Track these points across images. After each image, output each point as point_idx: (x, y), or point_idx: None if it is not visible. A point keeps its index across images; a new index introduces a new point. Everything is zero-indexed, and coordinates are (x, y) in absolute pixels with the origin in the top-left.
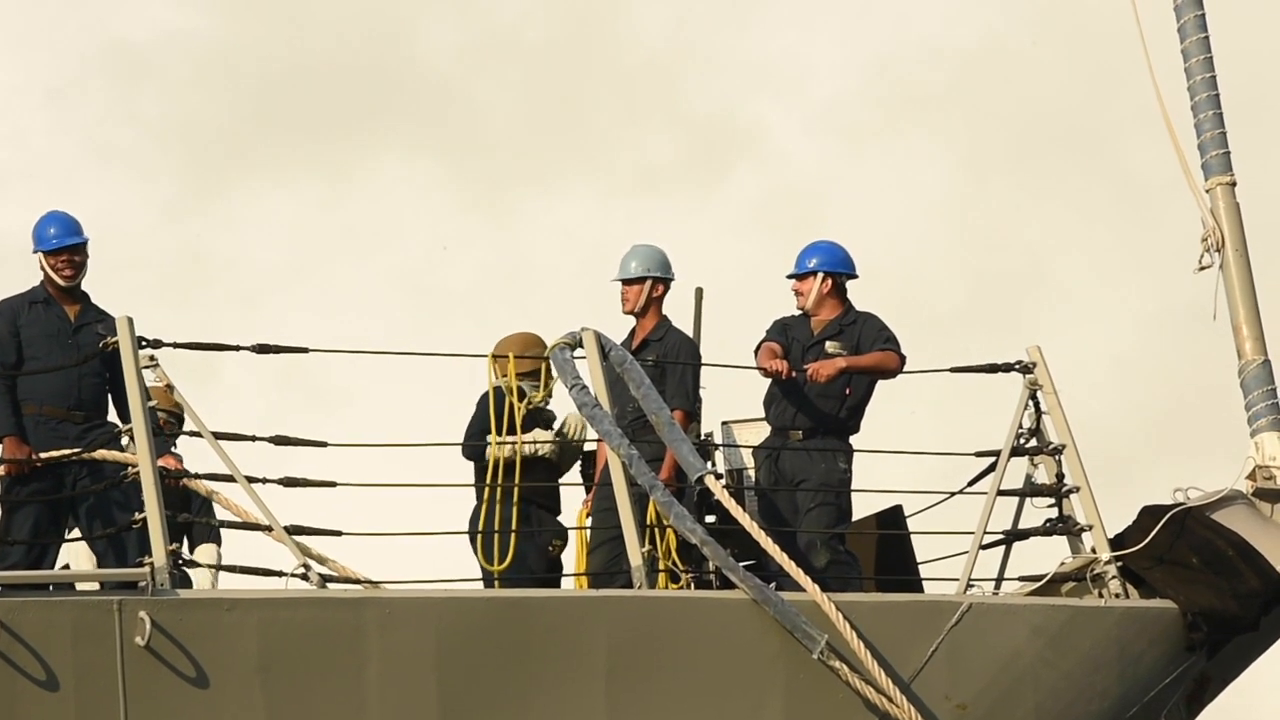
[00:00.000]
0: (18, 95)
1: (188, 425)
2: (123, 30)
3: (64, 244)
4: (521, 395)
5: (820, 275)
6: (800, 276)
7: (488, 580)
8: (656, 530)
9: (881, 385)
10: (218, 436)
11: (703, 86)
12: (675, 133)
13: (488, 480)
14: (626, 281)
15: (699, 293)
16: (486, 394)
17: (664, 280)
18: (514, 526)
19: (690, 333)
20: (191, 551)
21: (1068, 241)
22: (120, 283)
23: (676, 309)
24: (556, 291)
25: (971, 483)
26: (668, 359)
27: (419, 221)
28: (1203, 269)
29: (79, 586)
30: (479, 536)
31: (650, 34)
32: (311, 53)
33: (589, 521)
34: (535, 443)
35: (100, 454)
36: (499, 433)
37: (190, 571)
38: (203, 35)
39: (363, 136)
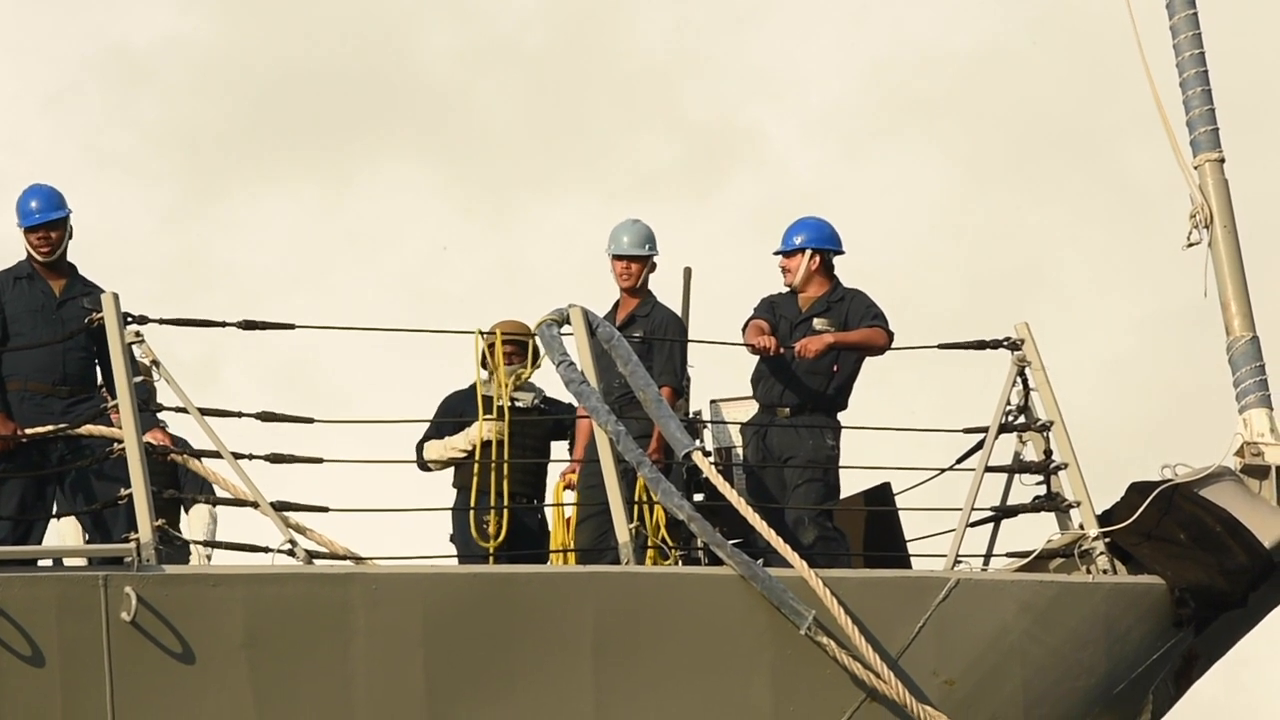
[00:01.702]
0: (17, 101)
1: (175, 402)
2: (122, 35)
3: (43, 220)
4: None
5: (808, 252)
6: (787, 254)
7: (461, 560)
8: (644, 507)
9: (871, 363)
10: (204, 413)
11: (701, 92)
12: (674, 138)
13: (476, 457)
14: (630, 258)
15: (687, 273)
16: (446, 398)
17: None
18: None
19: (678, 312)
20: (186, 512)
21: (1065, 244)
22: (120, 287)
23: (664, 291)
24: (556, 295)
25: (960, 459)
26: (655, 335)
27: (419, 226)
28: (1191, 245)
29: (65, 562)
30: (469, 515)
31: (649, 40)
32: (311, 57)
33: (567, 495)
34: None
35: (86, 429)
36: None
37: (184, 526)
38: (202, 40)
39: (363, 141)
